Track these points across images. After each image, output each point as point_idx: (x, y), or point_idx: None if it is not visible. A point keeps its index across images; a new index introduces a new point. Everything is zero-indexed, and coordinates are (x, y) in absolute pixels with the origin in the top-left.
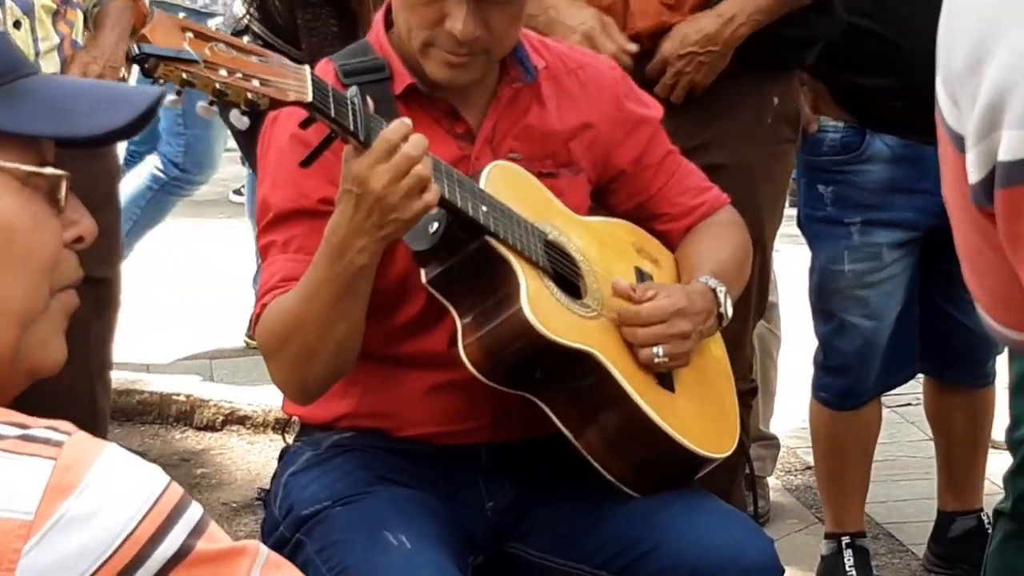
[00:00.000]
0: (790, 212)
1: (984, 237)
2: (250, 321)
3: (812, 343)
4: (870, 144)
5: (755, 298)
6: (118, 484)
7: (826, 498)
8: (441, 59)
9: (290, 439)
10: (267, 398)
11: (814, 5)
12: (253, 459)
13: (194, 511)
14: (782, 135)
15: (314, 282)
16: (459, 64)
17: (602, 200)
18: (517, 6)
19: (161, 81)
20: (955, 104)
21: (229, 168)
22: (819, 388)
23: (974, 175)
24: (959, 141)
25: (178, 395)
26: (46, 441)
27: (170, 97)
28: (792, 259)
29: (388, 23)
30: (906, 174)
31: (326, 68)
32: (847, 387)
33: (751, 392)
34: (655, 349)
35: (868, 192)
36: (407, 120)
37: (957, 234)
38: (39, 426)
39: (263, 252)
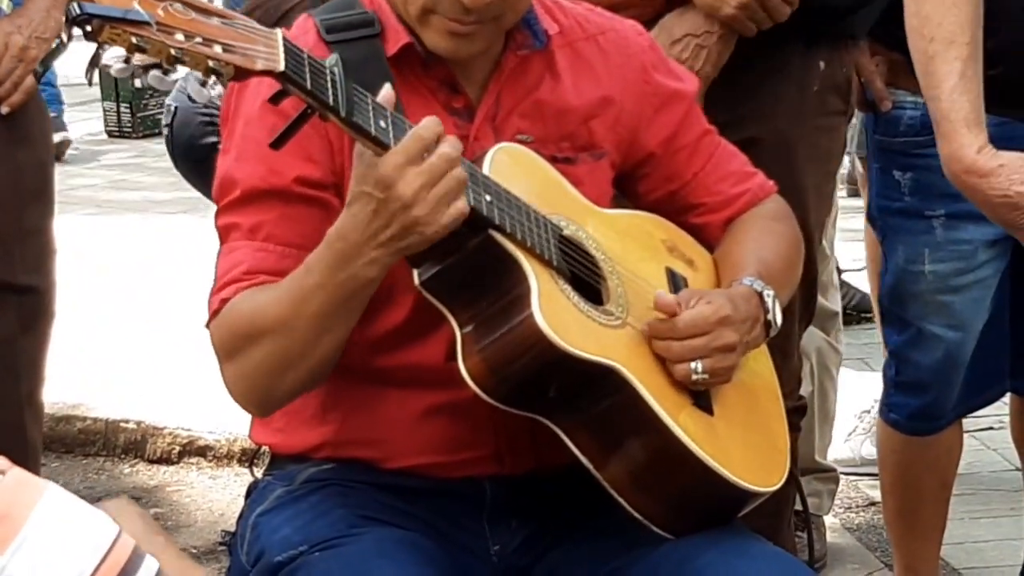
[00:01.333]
0: (849, 203)
1: None
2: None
3: (878, 358)
4: None
5: (801, 298)
6: (60, 537)
7: (895, 539)
8: (444, 28)
9: (259, 472)
10: (231, 425)
11: None
12: (216, 496)
13: (148, 568)
14: (830, 106)
15: (306, 287)
16: (465, 33)
17: (627, 189)
18: None
19: (106, 45)
20: None
21: None
22: (889, 408)
23: None
24: None
25: (127, 422)
26: None
27: (117, 66)
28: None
29: None
30: None
31: (305, 24)
32: (923, 408)
33: (800, 411)
34: (693, 364)
35: None
36: (436, 118)
37: None
38: None
39: (223, 234)
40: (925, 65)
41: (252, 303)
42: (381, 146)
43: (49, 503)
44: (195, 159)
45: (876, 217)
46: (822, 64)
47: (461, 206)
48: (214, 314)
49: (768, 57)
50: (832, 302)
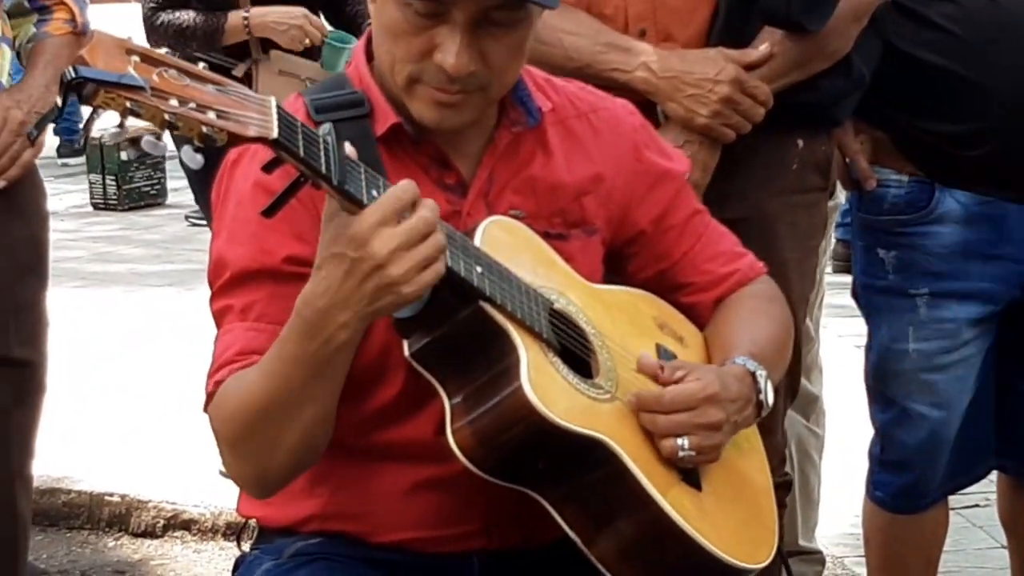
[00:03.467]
0: (839, 279)
1: None
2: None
3: (861, 433)
4: (940, 201)
5: (786, 374)
6: None
7: None
8: (429, 97)
9: (246, 546)
10: (216, 498)
11: (827, 68)
12: (201, 570)
13: None
14: (810, 183)
15: (281, 361)
16: (450, 104)
17: (617, 267)
18: (519, 36)
19: (100, 110)
20: None
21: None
22: (875, 486)
23: None
24: None
25: (111, 495)
26: None
27: (111, 131)
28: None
29: (369, 54)
30: (982, 237)
31: (295, 103)
32: (908, 486)
33: (784, 487)
34: (679, 441)
35: (937, 258)
36: (412, 181)
37: None
38: None
39: (217, 319)
40: None
41: (238, 386)
42: None
43: None
44: None
45: (860, 295)
46: (800, 142)
47: (438, 268)
48: (209, 398)
49: (745, 135)
50: (815, 385)
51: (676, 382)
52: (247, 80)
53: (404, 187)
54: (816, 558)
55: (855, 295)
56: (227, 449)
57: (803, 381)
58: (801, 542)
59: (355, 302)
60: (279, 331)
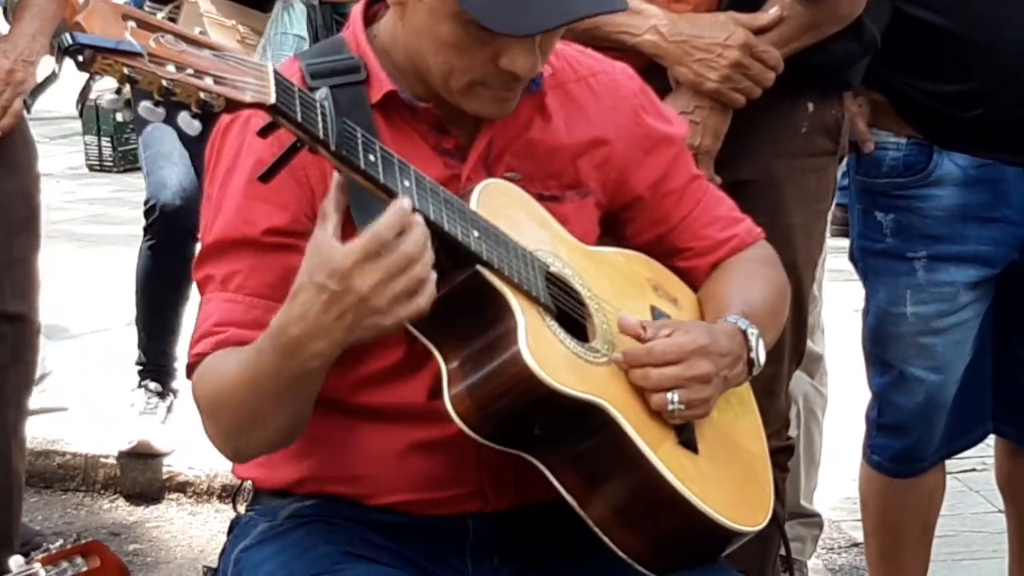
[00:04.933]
0: (836, 243)
1: None
2: None
3: (861, 398)
4: (938, 164)
5: (790, 337)
6: None
7: None
8: (492, 97)
9: (241, 508)
10: (211, 461)
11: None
12: (196, 532)
13: None
14: (819, 146)
15: (255, 370)
16: (510, 98)
17: (615, 231)
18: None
19: (97, 76)
20: None
21: None
22: (872, 450)
23: None
24: None
25: (107, 457)
26: None
27: (108, 96)
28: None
29: (367, 19)
30: (980, 199)
31: (291, 67)
32: (905, 450)
33: (786, 451)
34: (669, 395)
35: (935, 221)
36: (406, 204)
37: None
38: None
39: (200, 287)
40: None
41: (215, 371)
42: (369, 180)
43: None
44: None
45: (858, 258)
46: (810, 106)
47: (422, 302)
48: (189, 368)
49: (756, 98)
50: (818, 345)
51: (662, 336)
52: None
53: (386, 224)
54: (815, 521)
55: (852, 259)
56: (205, 421)
57: (809, 342)
58: (802, 502)
59: (332, 332)
60: (257, 303)
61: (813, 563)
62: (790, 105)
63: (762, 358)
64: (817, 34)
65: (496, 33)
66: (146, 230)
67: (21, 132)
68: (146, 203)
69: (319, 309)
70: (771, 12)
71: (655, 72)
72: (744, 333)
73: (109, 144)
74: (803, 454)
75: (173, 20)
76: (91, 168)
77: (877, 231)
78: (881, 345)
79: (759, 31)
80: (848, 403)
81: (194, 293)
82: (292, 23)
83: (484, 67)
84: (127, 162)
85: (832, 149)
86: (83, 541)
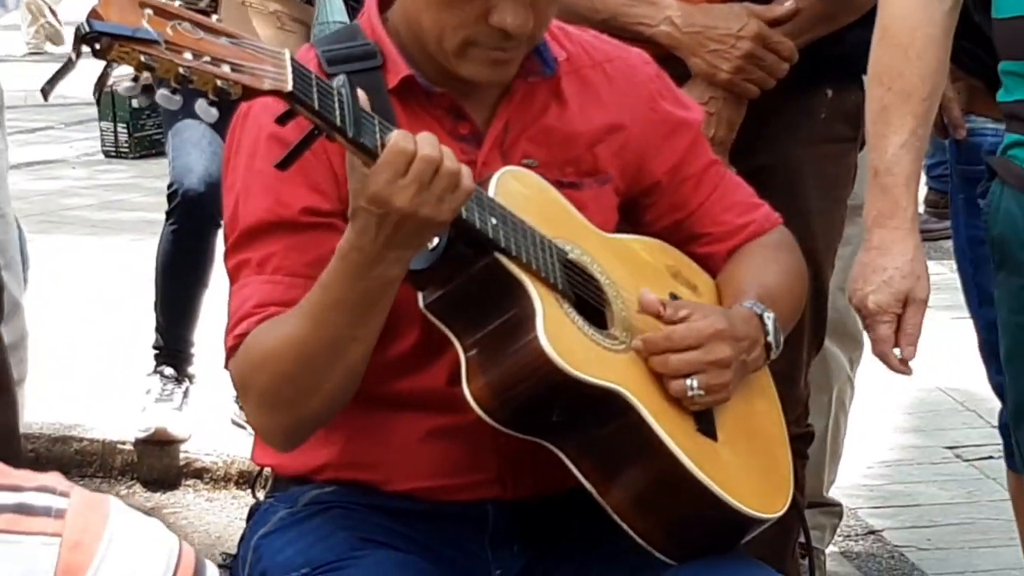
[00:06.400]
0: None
1: None
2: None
3: (877, 387)
4: None
5: (809, 324)
6: (132, 558)
7: None
8: (485, 58)
9: (261, 494)
10: (229, 446)
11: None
12: (213, 519)
13: (212, 571)
14: (838, 133)
15: (323, 307)
16: (505, 60)
17: (633, 217)
18: None
19: (115, 64)
20: None
21: None
22: (1009, 453)
23: None
24: None
25: (124, 443)
26: (46, 512)
27: (125, 84)
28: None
29: (382, 6)
30: None
31: (307, 54)
32: None
33: (806, 439)
34: (689, 381)
35: None
36: (404, 131)
37: None
38: (31, 486)
39: (233, 274)
40: (877, 114)
41: (268, 335)
42: None
43: (116, 523)
44: None
45: (965, 248)
46: (829, 92)
47: (467, 185)
48: (230, 351)
49: (772, 86)
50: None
51: (680, 320)
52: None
53: (402, 135)
54: (835, 511)
55: (959, 253)
56: (256, 400)
57: (852, 329)
58: (824, 492)
59: (400, 242)
60: (297, 283)
61: (830, 550)
62: (809, 92)
63: (779, 342)
64: (832, 25)
65: None
66: (168, 215)
67: None
68: (169, 187)
69: (375, 228)
70: (786, 4)
71: (674, 59)
72: (760, 317)
73: (125, 130)
74: (829, 445)
75: (215, 6)
76: (107, 154)
77: (982, 219)
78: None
79: (773, 23)
80: (862, 391)
81: (214, 280)
82: (332, 11)
83: (475, 24)
84: (143, 148)
85: (852, 135)
86: None
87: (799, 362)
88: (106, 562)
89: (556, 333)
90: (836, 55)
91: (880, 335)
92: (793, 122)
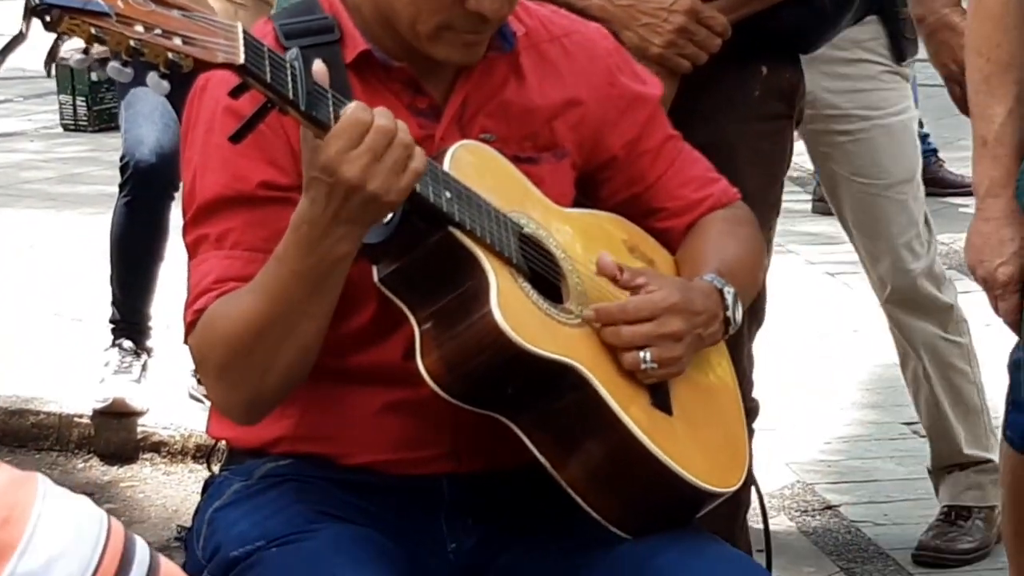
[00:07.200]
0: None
1: None
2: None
3: (829, 361)
4: None
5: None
6: (62, 535)
7: (1010, 554)
8: (460, 42)
9: (216, 467)
10: (186, 420)
11: None
12: (170, 492)
13: (142, 552)
14: (773, 110)
15: (278, 279)
16: (478, 43)
17: (590, 191)
18: None
19: (65, 36)
20: None
21: None
22: (1008, 426)
23: None
24: None
25: (81, 416)
26: None
27: (76, 57)
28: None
29: None
30: None
31: (264, 28)
32: None
33: (751, 413)
34: (641, 353)
35: None
36: (361, 102)
37: None
38: None
39: (191, 249)
40: (979, 84)
41: (225, 309)
42: None
43: (45, 499)
44: None
45: None
46: (764, 69)
47: (417, 164)
48: (189, 327)
49: (707, 62)
50: (947, 295)
51: (636, 287)
52: None
53: (357, 106)
54: (988, 466)
55: None
56: (215, 375)
57: (933, 292)
58: (966, 451)
59: (348, 217)
60: (256, 257)
61: (786, 525)
62: (743, 69)
63: (739, 317)
64: (766, 1)
65: None
66: (121, 187)
67: None
68: (121, 159)
69: (325, 200)
70: None
71: None
72: (720, 292)
73: (84, 103)
74: (951, 406)
75: None
76: (65, 128)
77: None
78: None
79: None
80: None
81: (172, 254)
82: None
83: (451, 9)
84: (102, 121)
85: (787, 112)
86: None
87: (740, 336)
88: (35, 539)
89: (510, 307)
90: (771, 31)
91: (1011, 306)
92: (728, 99)
